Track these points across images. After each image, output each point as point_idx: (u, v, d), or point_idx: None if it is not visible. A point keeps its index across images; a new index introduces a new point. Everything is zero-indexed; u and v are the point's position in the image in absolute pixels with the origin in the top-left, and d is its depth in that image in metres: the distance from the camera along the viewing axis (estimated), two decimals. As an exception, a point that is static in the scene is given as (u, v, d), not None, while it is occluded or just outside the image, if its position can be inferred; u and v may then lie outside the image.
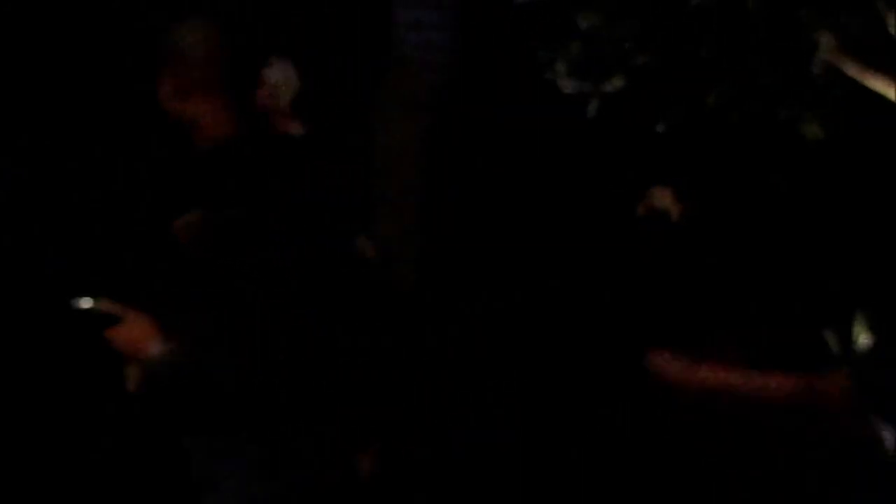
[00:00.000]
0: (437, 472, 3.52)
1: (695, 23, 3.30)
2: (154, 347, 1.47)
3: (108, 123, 4.04)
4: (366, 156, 4.67)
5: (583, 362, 4.07)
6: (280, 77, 2.85)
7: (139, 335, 1.48)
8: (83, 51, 4.08)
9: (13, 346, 3.59)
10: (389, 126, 4.95)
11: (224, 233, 1.53)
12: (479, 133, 4.84)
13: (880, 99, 3.60)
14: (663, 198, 3.62)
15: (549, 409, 4.03)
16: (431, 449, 3.65)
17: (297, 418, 1.54)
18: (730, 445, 3.04)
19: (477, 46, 4.70)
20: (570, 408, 3.98)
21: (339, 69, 4.48)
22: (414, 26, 4.71)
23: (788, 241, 4.34)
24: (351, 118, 4.51)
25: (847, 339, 3.92)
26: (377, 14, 4.56)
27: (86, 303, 1.50)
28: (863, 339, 3.87)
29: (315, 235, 1.68)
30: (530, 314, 4.48)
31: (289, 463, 1.53)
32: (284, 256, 1.56)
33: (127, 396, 1.57)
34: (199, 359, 1.47)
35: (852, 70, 3.55)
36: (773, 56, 3.27)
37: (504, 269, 4.78)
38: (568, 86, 3.27)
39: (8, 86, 3.87)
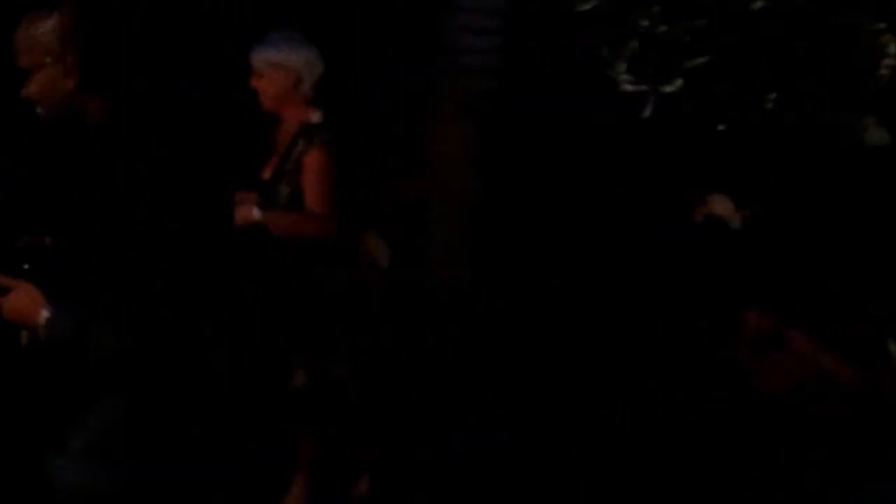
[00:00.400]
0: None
1: (755, 24, 3.27)
2: (40, 316, 1.60)
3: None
4: (419, 158, 4.69)
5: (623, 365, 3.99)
6: (302, 62, 2.74)
7: (27, 304, 1.61)
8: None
9: None
10: (442, 129, 4.97)
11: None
12: (530, 136, 4.84)
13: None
14: (722, 204, 3.57)
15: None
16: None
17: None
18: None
19: (528, 50, 4.70)
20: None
21: (392, 73, 4.51)
22: (466, 30, 4.72)
23: (849, 245, 4.26)
24: (402, 121, 4.53)
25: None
26: (430, 18, 4.59)
27: None
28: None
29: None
30: (581, 314, 4.45)
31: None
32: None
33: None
34: (80, 327, 1.60)
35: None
36: (835, 59, 3.23)
37: (556, 269, 4.75)
38: (627, 86, 3.25)
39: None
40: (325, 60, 4.23)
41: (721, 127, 3.23)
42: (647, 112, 3.31)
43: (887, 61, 3.25)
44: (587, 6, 3.28)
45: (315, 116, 2.72)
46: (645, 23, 3.24)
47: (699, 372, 3.14)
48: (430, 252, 4.84)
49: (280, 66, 2.70)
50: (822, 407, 2.66)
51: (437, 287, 4.56)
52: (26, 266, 1.70)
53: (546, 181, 4.64)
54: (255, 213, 2.64)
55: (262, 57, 2.72)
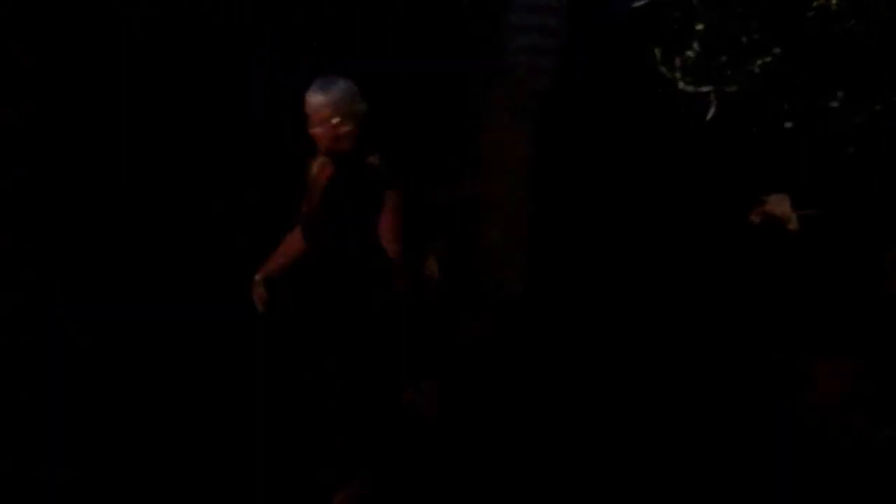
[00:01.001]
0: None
1: (817, 23, 3.21)
2: None
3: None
4: (475, 160, 4.69)
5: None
6: (345, 105, 2.94)
7: None
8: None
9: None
10: (498, 130, 4.97)
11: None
12: (587, 138, 4.81)
13: None
14: (781, 205, 3.53)
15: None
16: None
17: None
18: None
19: (585, 51, 4.68)
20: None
21: (450, 73, 4.53)
22: (523, 30, 4.72)
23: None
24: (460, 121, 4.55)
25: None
26: (487, 18, 4.58)
27: None
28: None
29: None
30: (634, 318, 4.41)
31: None
32: None
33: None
34: None
35: None
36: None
37: (611, 273, 4.70)
38: (687, 86, 3.22)
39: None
40: (384, 60, 4.37)
41: (788, 124, 3.18)
42: (709, 114, 3.28)
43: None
44: (640, 3, 3.26)
45: (374, 158, 2.93)
46: (707, 22, 3.21)
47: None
48: (483, 253, 4.85)
49: (328, 111, 2.87)
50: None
51: (487, 288, 4.56)
52: None
53: (602, 183, 4.61)
54: None
55: (312, 103, 2.89)
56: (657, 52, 3.23)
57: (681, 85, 3.21)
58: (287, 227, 3.26)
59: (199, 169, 4.45)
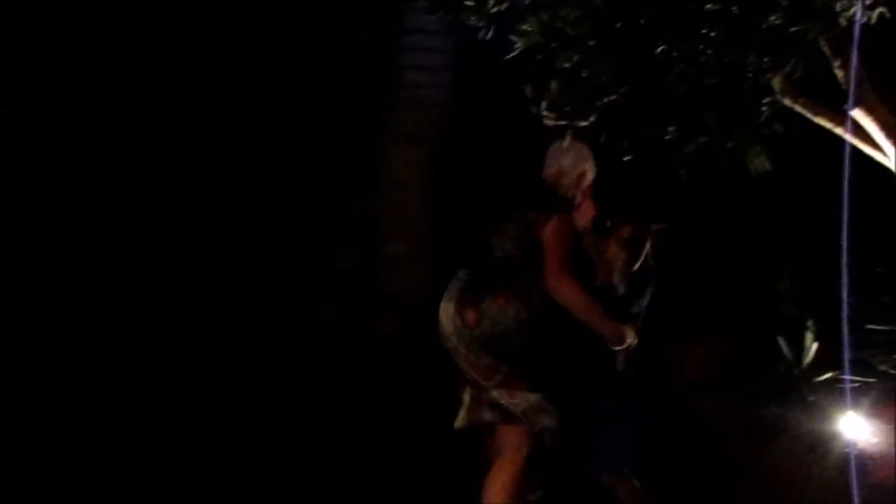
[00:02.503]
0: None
1: (658, 66, 3.80)
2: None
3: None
4: (376, 181, 5.15)
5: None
6: None
7: None
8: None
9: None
10: (394, 156, 5.45)
11: None
12: (474, 161, 5.30)
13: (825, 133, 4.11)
14: (626, 232, 4.05)
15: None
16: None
17: None
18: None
19: (470, 85, 5.20)
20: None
21: (346, 107, 4.98)
22: (415, 68, 5.22)
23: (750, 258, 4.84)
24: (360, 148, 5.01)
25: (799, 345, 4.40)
26: (383, 56, 5.07)
27: None
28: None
29: None
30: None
31: None
32: None
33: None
34: None
35: (801, 108, 4.06)
36: (726, 95, 3.78)
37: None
38: (549, 120, 3.77)
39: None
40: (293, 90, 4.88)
41: (626, 158, 3.78)
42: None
43: (768, 98, 3.81)
44: (517, 48, 3.80)
45: None
46: (566, 65, 3.77)
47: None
48: (387, 262, 5.31)
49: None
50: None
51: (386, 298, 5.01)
52: None
53: (489, 201, 5.10)
54: None
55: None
56: (528, 90, 3.78)
57: (544, 120, 3.77)
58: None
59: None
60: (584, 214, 3.85)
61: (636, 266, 3.82)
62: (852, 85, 3.71)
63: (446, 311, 3.56)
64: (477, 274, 3.62)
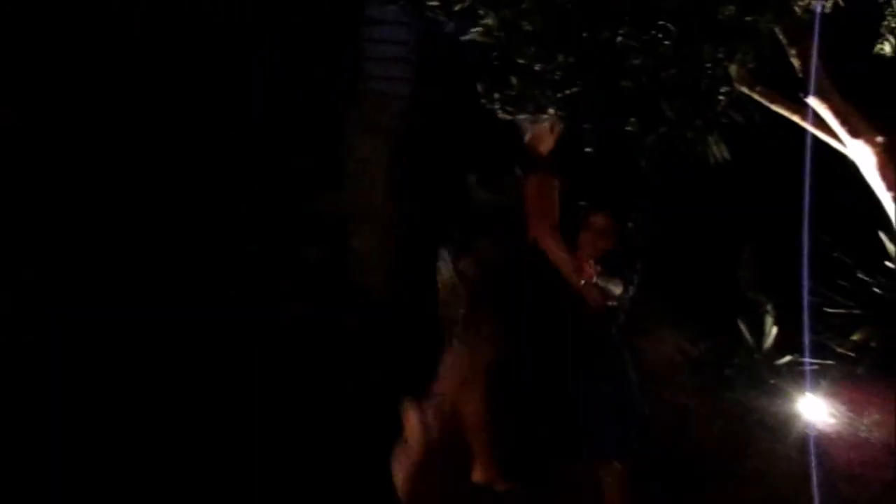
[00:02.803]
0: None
1: (617, 58, 3.83)
2: None
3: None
4: (341, 175, 5.16)
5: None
6: None
7: None
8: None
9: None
10: (359, 149, 5.45)
11: None
12: (437, 152, 5.32)
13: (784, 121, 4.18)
14: (600, 221, 4.10)
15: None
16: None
17: None
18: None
19: (434, 78, 5.22)
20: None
21: (314, 99, 4.99)
22: (380, 60, 5.22)
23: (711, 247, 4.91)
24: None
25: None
26: (348, 49, 5.07)
27: None
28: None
29: None
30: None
31: None
32: None
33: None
34: None
35: (758, 96, 4.12)
36: (684, 86, 3.82)
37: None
38: (506, 115, 3.80)
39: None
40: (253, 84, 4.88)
41: (588, 150, 3.81)
42: (525, 139, 3.87)
43: (725, 88, 3.86)
44: (470, 36, 3.82)
45: None
46: (522, 61, 3.79)
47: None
48: (354, 259, 5.33)
49: None
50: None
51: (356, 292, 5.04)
52: None
53: (451, 191, 5.12)
54: None
55: None
56: (480, 86, 3.80)
57: (500, 114, 3.79)
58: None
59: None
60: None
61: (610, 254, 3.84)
62: (812, 74, 3.79)
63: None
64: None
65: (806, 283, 3.72)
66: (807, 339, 3.79)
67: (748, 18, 3.74)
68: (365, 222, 5.34)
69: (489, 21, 3.86)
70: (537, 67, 3.73)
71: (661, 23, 3.78)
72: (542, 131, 3.95)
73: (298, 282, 5.00)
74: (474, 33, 3.81)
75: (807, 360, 4.06)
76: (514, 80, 3.76)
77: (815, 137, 4.07)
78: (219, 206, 4.97)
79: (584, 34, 3.75)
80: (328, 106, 5.12)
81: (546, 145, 3.96)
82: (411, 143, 5.05)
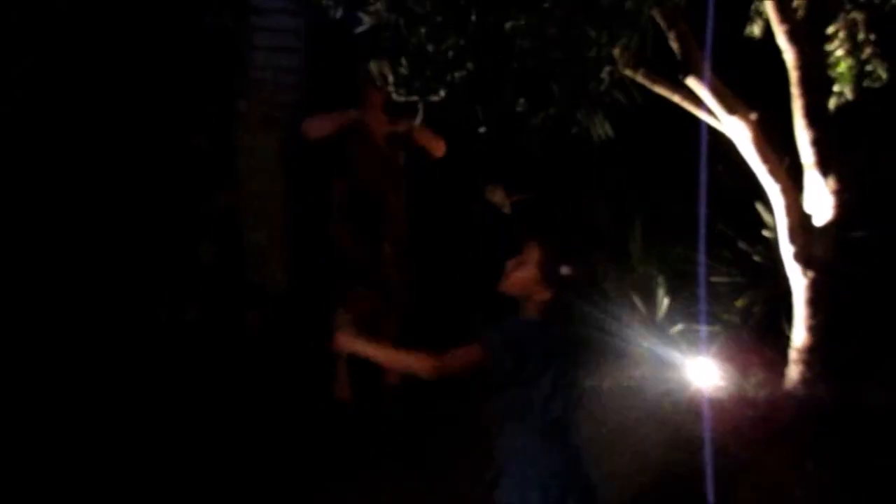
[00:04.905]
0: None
1: (505, 41, 3.91)
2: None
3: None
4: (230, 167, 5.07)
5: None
6: None
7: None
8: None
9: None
10: (249, 143, 5.36)
11: None
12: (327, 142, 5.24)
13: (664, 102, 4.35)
14: (496, 194, 4.21)
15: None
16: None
17: None
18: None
19: (322, 67, 5.19)
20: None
21: (199, 92, 4.88)
22: (266, 50, 5.15)
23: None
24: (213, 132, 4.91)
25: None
26: (236, 40, 4.98)
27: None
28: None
29: None
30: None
31: None
32: None
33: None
34: None
35: (641, 78, 4.28)
36: (569, 69, 3.93)
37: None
38: (400, 96, 3.82)
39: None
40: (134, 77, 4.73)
41: (481, 130, 3.88)
42: (417, 120, 3.90)
43: (608, 67, 4.00)
44: (364, 27, 3.82)
45: None
46: (414, 41, 3.83)
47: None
48: (249, 254, 5.23)
49: None
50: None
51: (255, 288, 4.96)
52: None
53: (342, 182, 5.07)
54: None
55: None
56: (373, 66, 3.81)
57: (394, 96, 3.81)
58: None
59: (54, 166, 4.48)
60: None
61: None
62: (700, 56, 3.95)
63: None
64: None
65: (702, 256, 3.88)
66: (702, 308, 3.95)
67: (629, 3, 3.88)
68: (260, 220, 5.26)
69: (378, 4, 3.87)
70: (430, 48, 3.76)
71: (546, 6, 3.88)
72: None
73: (194, 283, 4.89)
74: (366, 17, 3.81)
75: (700, 327, 4.24)
76: (404, 61, 3.79)
77: (695, 116, 4.27)
78: (106, 206, 4.82)
79: (473, 17, 3.81)
80: (217, 99, 5.01)
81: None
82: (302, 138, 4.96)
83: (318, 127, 4.38)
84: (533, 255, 2.62)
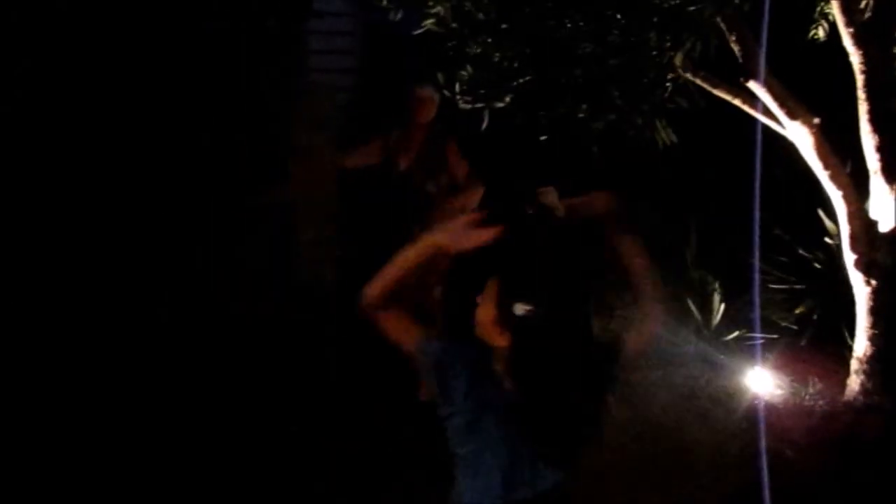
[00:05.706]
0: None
1: (568, 48, 3.90)
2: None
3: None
4: (286, 168, 5.10)
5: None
6: None
7: None
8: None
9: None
10: (303, 138, 5.39)
11: None
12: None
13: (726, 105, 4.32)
14: (549, 196, 4.19)
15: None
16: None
17: None
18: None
19: (377, 69, 5.20)
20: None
21: (259, 92, 4.91)
22: (324, 53, 5.17)
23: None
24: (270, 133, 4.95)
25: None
26: (293, 42, 5.00)
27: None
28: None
29: None
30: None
31: None
32: None
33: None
34: None
35: (701, 82, 4.25)
36: (632, 74, 3.92)
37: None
38: (466, 104, 3.83)
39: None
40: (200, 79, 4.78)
41: (543, 133, 3.87)
42: (483, 125, 3.91)
43: (671, 74, 3.98)
44: (422, 29, 3.83)
45: None
46: (478, 50, 3.82)
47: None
48: (300, 251, 5.28)
49: None
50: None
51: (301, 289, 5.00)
52: None
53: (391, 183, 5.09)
54: None
55: None
56: (440, 75, 3.81)
57: (460, 103, 3.82)
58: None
59: (104, 162, 4.55)
60: None
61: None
62: (761, 60, 3.92)
63: None
64: None
65: (756, 261, 3.86)
66: (756, 315, 3.93)
67: (691, 8, 3.85)
68: (311, 219, 5.30)
69: (440, 9, 3.87)
70: (496, 57, 3.76)
71: (608, 13, 3.87)
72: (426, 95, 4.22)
73: (243, 280, 4.95)
74: (427, 24, 3.81)
75: (756, 335, 4.22)
76: (468, 69, 3.79)
77: (757, 120, 4.24)
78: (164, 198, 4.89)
79: (534, 24, 3.80)
80: (272, 99, 5.04)
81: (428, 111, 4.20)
82: (356, 137, 4.99)
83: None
84: (491, 290, 2.15)
